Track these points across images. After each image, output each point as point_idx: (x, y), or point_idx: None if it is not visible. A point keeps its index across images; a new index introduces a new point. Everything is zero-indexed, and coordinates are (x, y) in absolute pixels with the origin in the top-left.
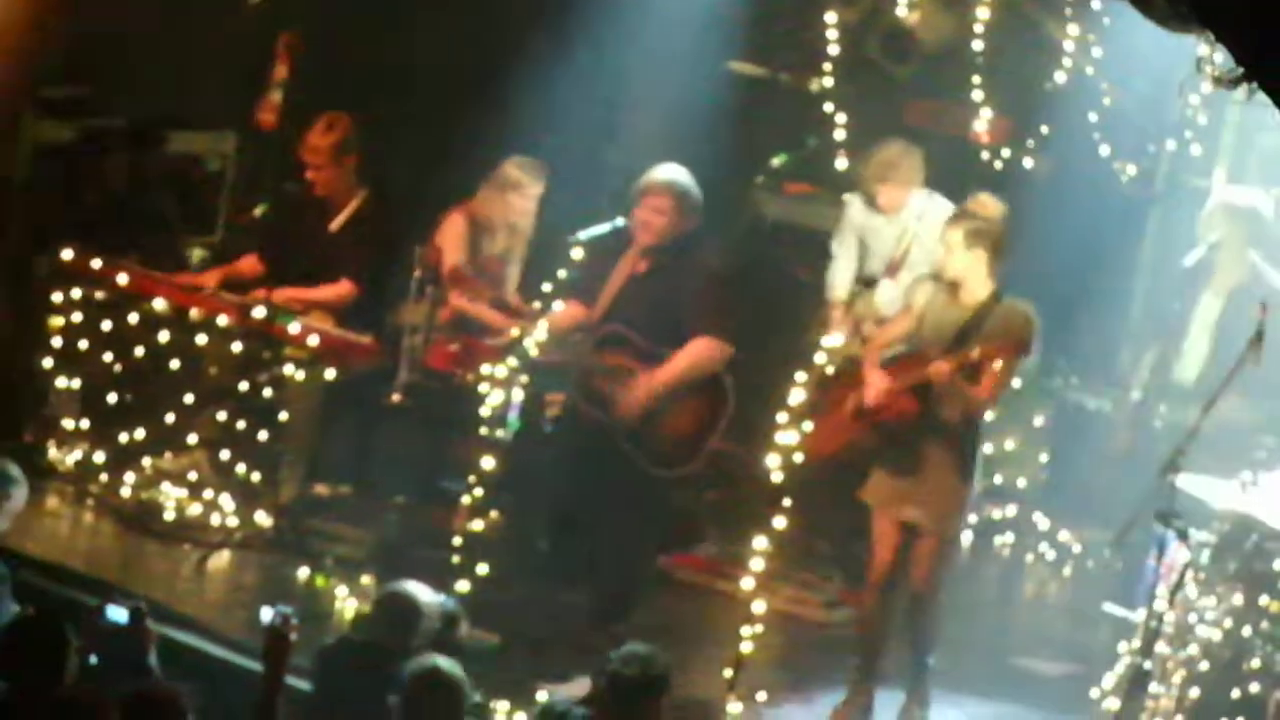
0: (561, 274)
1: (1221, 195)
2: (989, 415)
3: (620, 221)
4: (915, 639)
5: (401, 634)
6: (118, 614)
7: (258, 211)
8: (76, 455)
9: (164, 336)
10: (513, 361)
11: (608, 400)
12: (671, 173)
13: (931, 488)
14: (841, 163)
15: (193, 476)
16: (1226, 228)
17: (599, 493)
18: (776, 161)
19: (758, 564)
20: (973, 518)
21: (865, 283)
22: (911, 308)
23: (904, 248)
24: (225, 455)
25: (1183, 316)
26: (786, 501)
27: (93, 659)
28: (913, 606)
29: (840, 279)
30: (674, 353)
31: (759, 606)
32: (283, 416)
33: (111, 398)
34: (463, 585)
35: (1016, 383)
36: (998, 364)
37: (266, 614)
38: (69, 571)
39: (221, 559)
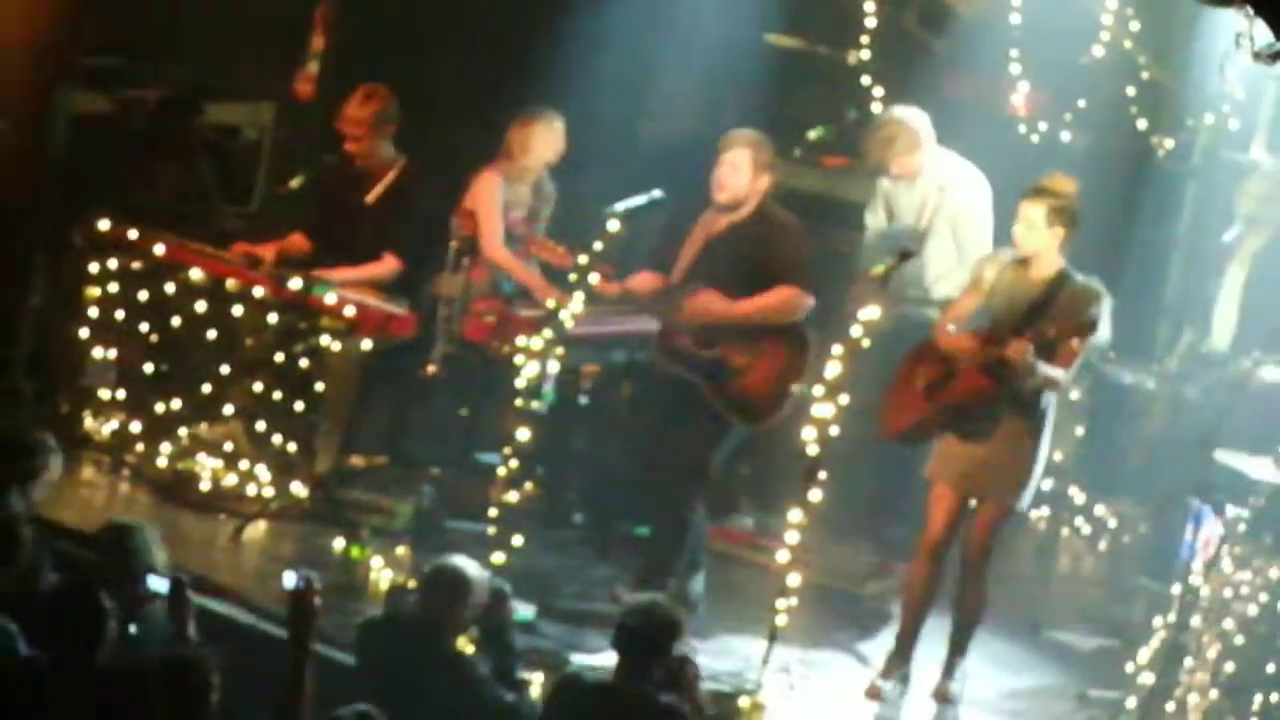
0: (598, 245)
1: (1259, 169)
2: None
3: (658, 194)
4: (963, 608)
5: (449, 609)
6: (158, 584)
7: (294, 183)
8: (112, 425)
9: (200, 307)
10: (548, 333)
11: (691, 357)
12: (750, 135)
13: (1001, 461)
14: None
15: (228, 447)
16: (1259, 202)
17: (670, 452)
18: (813, 135)
19: (793, 536)
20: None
21: (901, 255)
22: (981, 283)
23: (927, 217)
24: (261, 426)
25: (1216, 293)
26: (822, 475)
27: (133, 628)
28: (964, 574)
29: (870, 250)
30: None
31: (794, 579)
32: (319, 387)
33: (148, 368)
34: (498, 557)
35: None
36: (1071, 341)
37: (289, 579)
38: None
39: (257, 529)
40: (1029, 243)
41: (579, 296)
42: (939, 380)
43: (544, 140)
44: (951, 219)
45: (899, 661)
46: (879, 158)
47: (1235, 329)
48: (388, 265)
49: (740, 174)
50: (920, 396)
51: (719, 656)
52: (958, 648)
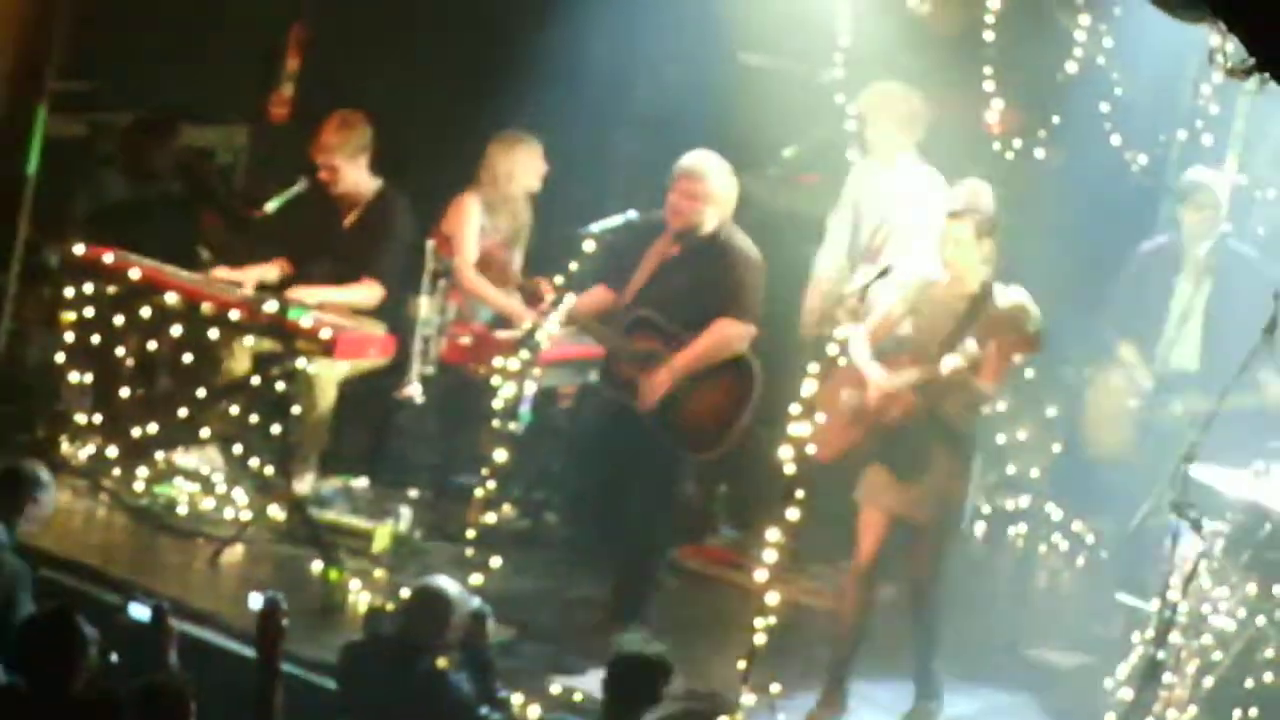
0: (573, 266)
1: (1196, 178)
2: (1000, 405)
3: (633, 215)
4: (918, 631)
5: (433, 630)
6: (140, 612)
7: (269, 206)
8: (89, 450)
9: (176, 331)
10: (525, 354)
11: (632, 385)
12: (704, 159)
13: (932, 482)
14: (853, 154)
15: (206, 470)
16: (1206, 209)
17: (619, 482)
18: (788, 153)
19: (770, 555)
20: (986, 508)
21: (881, 273)
22: (905, 301)
23: (885, 231)
24: (238, 449)
25: (1148, 301)
26: (799, 493)
27: (114, 657)
28: (914, 596)
29: (827, 258)
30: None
31: (772, 598)
32: (295, 410)
33: (124, 392)
34: (476, 578)
35: (1029, 373)
36: (1000, 354)
37: (256, 600)
38: (85, 567)
39: (235, 553)
40: (958, 260)
41: (554, 318)
42: (864, 404)
43: (525, 165)
44: (905, 241)
45: (836, 689)
46: (869, 119)
47: (1199, 350)
48: (367, 289)
49: (696, 202)
50: (847, 421)
51: (697, 677)
52: (924, 673)
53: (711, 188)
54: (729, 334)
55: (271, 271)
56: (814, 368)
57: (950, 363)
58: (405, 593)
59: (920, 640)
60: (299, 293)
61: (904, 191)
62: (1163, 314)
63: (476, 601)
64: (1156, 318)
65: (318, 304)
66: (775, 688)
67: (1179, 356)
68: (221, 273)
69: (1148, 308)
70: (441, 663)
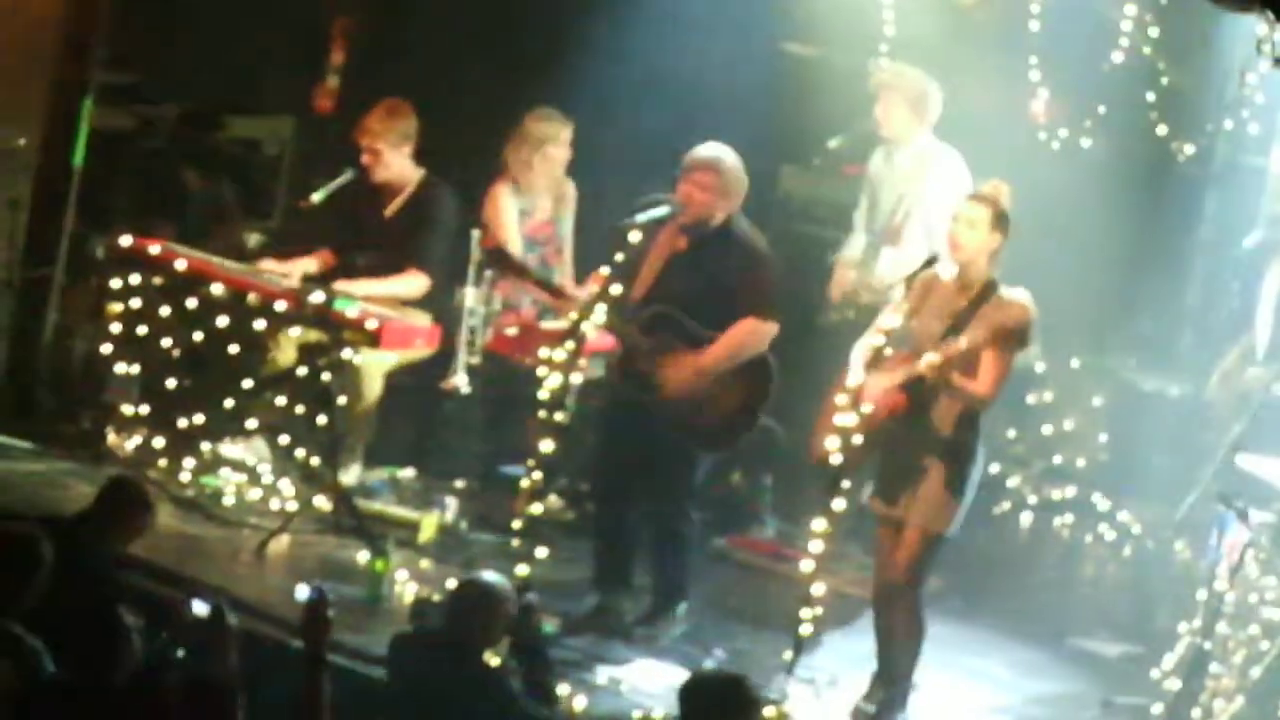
0: (618, 257)
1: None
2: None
3: (678, 206)
4: (894, 635)
5: (481, 624)
6: (200, 608)
7: (315, 197)
8: (135, 441)
9: (222, 322)
10: (571, 345)
11: (651, 382)
12: (716, 150)
13: (921, 483)
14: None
15: (252, 461)
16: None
17: (636, 472)
18: (833, 143)
19: (817, 546)
20: (1032, 498)
21: (927, 262)
22: (905, 298)
23: (904, 210)
24: (284, 440)
25: (1247, 300)
26: (845, 484)
27: (180, 653)
28: (892, 600)
29: (854, 239)
30: (719, 334)
31: (818, 588)
32: (341, 401)
33: (170, 383)
34: (522, 569)
35: (1075, 363)
36: (993, 356)
37: (302, 592)
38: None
39: (281, 544)
40: (969, 243)
41: (601, 309)
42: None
43: (548, 161)
44: (927, 221)
45: (882, 683)
46: (882, 101)
47: (1270, 339)
48: (413, 279)
49: (707, 194)
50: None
51: (744, 667)
52: (886, 678)
53: (726, 180)
54: (754, 335)
55: (315, 263)
56: (858, 356)
57: (928, 359)
58: (451, 584)
59: (886, 646)
60: (345, 285)
61: (921, 170)
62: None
63: (529, 595)
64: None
65: (364, 296)
66: (821, 677)
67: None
68: (269, 264)
69: (1249, 304)
70: (491, 659)
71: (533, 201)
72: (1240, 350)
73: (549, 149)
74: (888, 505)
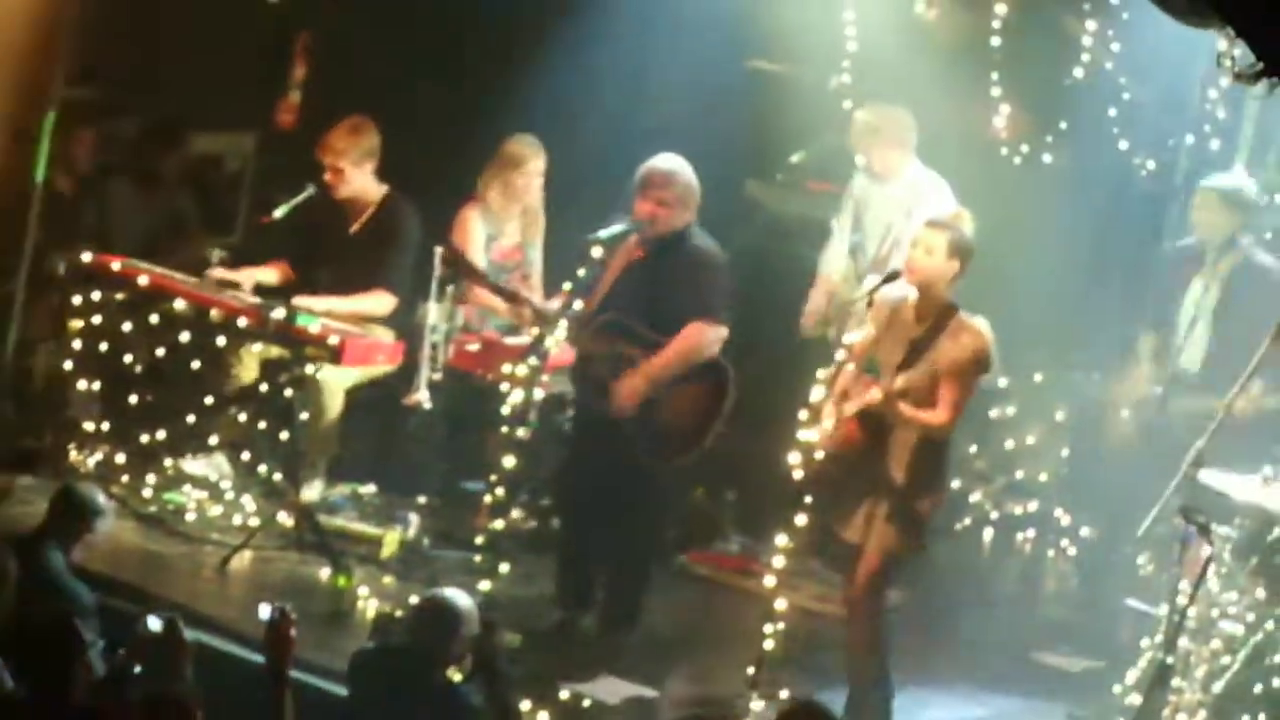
0: (581, 273)
1: (1209, 182)
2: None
3: (640, 224)
4: (849, 657)
5: (443, 641)
6: (155, 624)
7: (277, 213)
8: (97, 457)
9: (184, 338)
10: (533, 360)
11: (605, 388)
12: (671, 162)
13: (877, 509)
14: (860, 160)
15: (214, 477)
16: (1214, 214)
17: (598, 487)
18: (796, 159)
19: (779, 561)
20: (994, 513)
21: (888, 277)
22: (874, 318)
23: (892, 240)
24: (246, 456)
25: (1174, 300)
26: (808, 499)
27: (137, 669)
28: (850, 615)
29: (833, 256)
30: (669, 338)
31: (781, 604)
32: (303, 416)
33: (132, 399)
34: (485, 585)
35: (1038, 377)
36: (951, 384)
37: (265, 611)
38: (95, 575)
39: (243, 559)
40: (926, 268)
41: (563, 324)
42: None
43: (520, 188)
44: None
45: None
46: (861, 146)
47: (1206, 352)
48: (380, 298)
49: (666, 208)
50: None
51: (706, 683)
52: (857, 693)
53: (681, 191)
54: (702, 338)
55: (271, 274)
56: (822, 373)
57: (873, 395)
58: (414, 600)
59: (849, 665)
60: (308, 302)
61: (908, 200)
62: (1177, 315)
63: (487, 611)
64: (1172, 318)
65: (329, 312)
66: (784, 694)
67: (1186, 358)
68: (218, 273)
69: (1173, 308)
70: (453, 675)
71: (501, 227)
72: (1152, 349)
73: (521, 176)
74: (846, 532)
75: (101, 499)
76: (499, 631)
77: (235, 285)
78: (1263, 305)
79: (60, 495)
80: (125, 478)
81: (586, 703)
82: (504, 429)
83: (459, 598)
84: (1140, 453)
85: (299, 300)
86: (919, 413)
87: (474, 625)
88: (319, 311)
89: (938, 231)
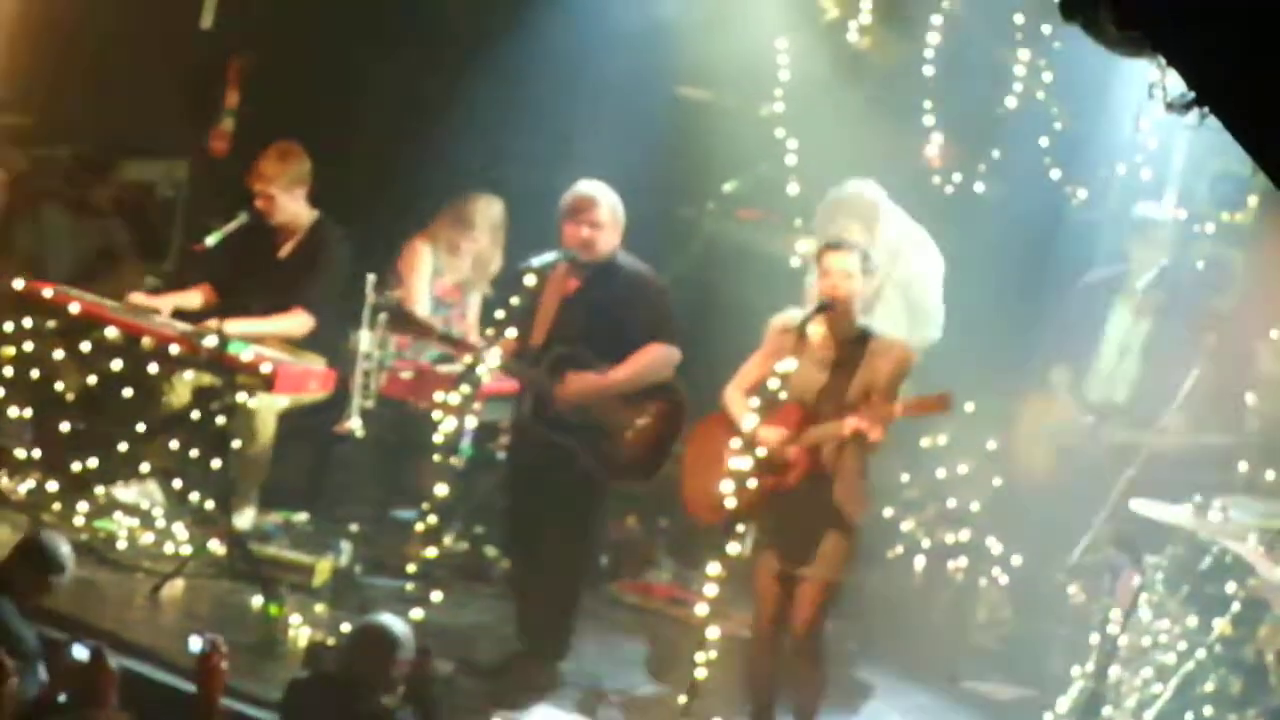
0: (514, 301)
1: (1140, 212)
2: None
3: (573, 252)
4: (798, 688)
5: (380, 667)
6: (81, 653)
7: (210, 240)
8: (29, 484)
9: (116, 365)
10: (466, 389)
11: (568, 424)
12: (594, 187)
13: (821, 535)
14: (793, 188)
15: (145, 505)
16: (1144, 245)
17: (541, 518)
18: (728, 187)
19: (712, 590)
20: (926, 542)
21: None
22: (774, 349)
23: (877, 282)
24: (178, 484)
25: (1094, 331)
26: (740, 528)
27: (61, 697)
28: (795, 653)
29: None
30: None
31: (713, 632)
32: (235, 444)
33: (63, 427)
34: (417, 612)
35: (969, 406)
36: (884, 399)
37: (195, 643)
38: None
39: (175, 588)
40: (850, 292)
41: (494, 353)
42: (755, 465)
43: (474, 243)
44: (903, 284)
45: None
46: (836, 231)
47: (1134, 384)
48: (296, 318)
49: (599, 231)
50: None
51: (639, 712)
52: None
53: (610, 214)
54: (660, 358)
55: (194, 298)
56: (755, 402)
57: (852, 423)
58: (346, 628)
59: (799, 701)
60: (227, 324)
61: (888, 250)
62: (1099, 345)
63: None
64: (1092, 349)
65: (241, 333)
66: None
67: (1111, 388)
68: (138, 298)
69: (1086, 338)
70: (387, 701)
71: (450, 263)
72: (1066, 380)
73: (466, 240)
74: (790, 565)
75: (65, 552)
76: (432, 659)
77: (155, 311)
78: (1189, 337)
79: (25, 545)
80: (56, 505)
81: None
82: (436, 456)
83: (395, 624)
84: (1068, 482)
85: (211, 322)
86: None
87: (410, 651)
88: (233, 334)
89: (845, 254)
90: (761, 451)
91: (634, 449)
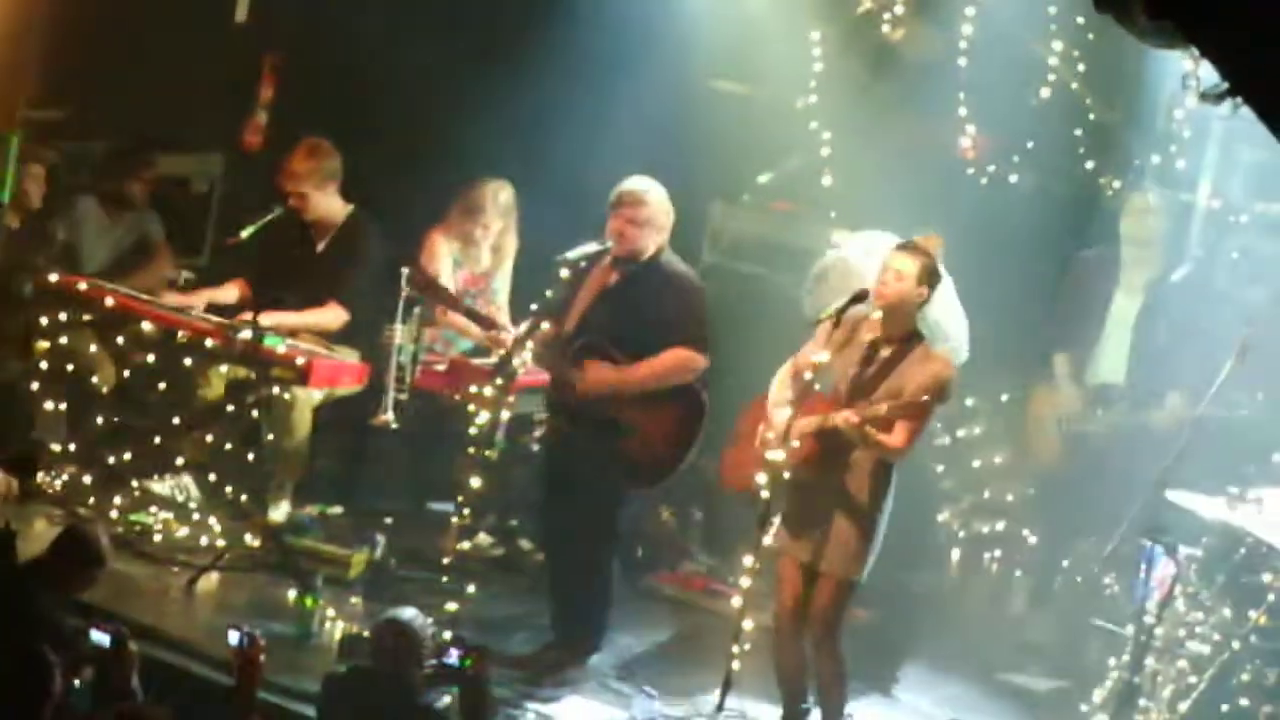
0: (548, 294)
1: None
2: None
3: (610, 243)
4: (820, 685)
5: (405, 661)
6: (101, 638)
7: (244, 233)
8: (64, 478)
9: (151, 358)
10: (500, 381)
11: (578, 411)
12: (643, 183)
13: (834, 530)
14: (826, 180)
15: (180, 498)
16: (1137, 224)
17: (569, 508)
18: (761, 179)
19: (746, 582)
20: (961, 533)
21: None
22: (834, 333)
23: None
24: (213, 477)
25: (1092, 314)
26: (775, 519)
27: (77, 683)
28: (815, 650)
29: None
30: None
31: (748, 624)
32: (270, 437)
33: (99, 420)
34: (452, 605)
35: (1004, 398)
36: (914, 412)
37: (233, 636)
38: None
39: (210, 581)
40: (896, 292)
41: (530, 345)
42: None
43: (488, 229)
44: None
45: None
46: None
47: (1127, 363)
48: (332, 313)
49: (637, 228)
50: (759, 455)
51: (673, 703)
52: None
53: (653, 212)
54: (686, 363)
55: (229, 292)
56: (787, 394)
57: (845, 416)
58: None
59: (820, 699)
60: (262, 318)
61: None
62: (1100, 324)
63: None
64: (1094, 328)
65: (274, 325)
66: (750, 712)
67: (1107, 370)
68: (171, 296)
69: (1086, 317)
70: (444, 700)
71: (468, 253)
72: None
73: (479, 227)
74: (798, 546)
75: (106, 544)
76: (489, 658)
77: (191, 307)
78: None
79: (65, 537)
80: (92, 499)
81: None
82: (470, 450)
83: (417, 619)
84: (1093, 472)
85: (245, 315)
86: (882, 436)
87: (430, 643)
88: (268, 327)
89: (910, 256)
90: (795, 443)
91: (649, 451)
